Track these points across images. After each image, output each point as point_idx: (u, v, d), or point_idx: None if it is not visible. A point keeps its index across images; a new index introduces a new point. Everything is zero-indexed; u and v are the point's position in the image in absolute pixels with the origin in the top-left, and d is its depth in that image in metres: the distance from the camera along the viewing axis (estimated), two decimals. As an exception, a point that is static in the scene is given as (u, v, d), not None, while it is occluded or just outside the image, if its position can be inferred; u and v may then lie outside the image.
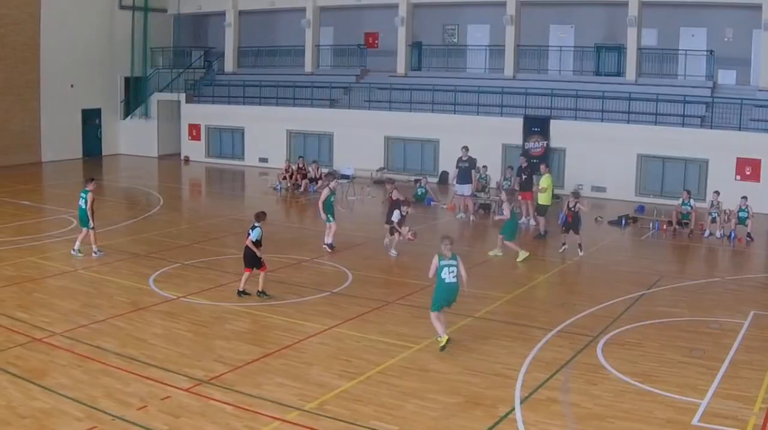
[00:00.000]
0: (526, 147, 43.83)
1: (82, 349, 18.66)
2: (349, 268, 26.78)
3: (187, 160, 57.79)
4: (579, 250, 29.13)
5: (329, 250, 29.40)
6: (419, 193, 40.92)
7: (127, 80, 61.13)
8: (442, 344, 18.83)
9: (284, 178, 45.07)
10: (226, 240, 31.70)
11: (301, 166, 45.30)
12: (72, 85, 56.69)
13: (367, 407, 15.66)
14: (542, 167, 34.36)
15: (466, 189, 36.81)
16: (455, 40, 54.41)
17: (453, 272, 18.92)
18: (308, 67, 56.47)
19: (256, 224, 23.01)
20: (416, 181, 43.24)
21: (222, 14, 59.62)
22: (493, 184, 40.33)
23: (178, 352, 18.65)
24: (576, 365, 18.14)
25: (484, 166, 39.34)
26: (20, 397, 15.77)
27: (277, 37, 59.75)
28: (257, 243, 22.89)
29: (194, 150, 58.01)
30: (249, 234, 22.97)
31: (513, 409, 15.62)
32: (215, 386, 16.54)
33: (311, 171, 44.92)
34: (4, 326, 20.17)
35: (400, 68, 52.86)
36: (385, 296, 23.54)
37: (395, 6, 52.28)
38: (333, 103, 53.04)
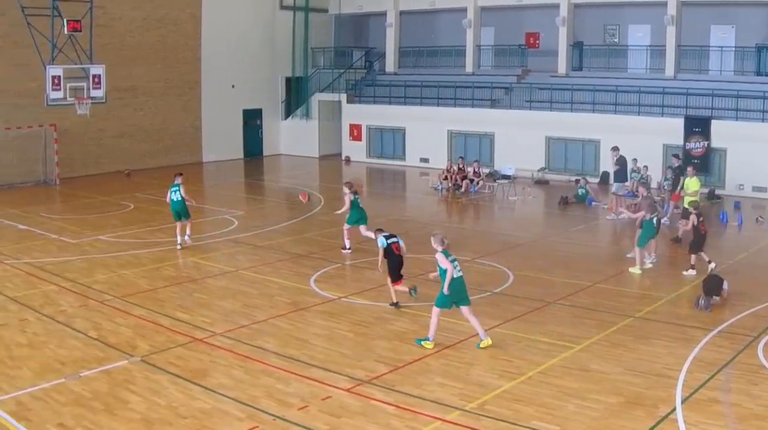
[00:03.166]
0: (687, 147, 43.15)
1: (242, 349, 19.12)
2: (509, 268, 26.76)
3: (348, 160, 58.42)
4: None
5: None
6: (580, 193, 40.66)
7: (288, 80, 62.00)
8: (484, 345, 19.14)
9: (445, 178, 45.21)
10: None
11: (461, 166, 45.36)
12: (233, 86, 57.82)
13: (528, 407, 15.68)
14: (689, 170, 33.67)
15: (619, 188, 36.70)
16: (616, 40, 53.76)
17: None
18: (469, 68, 56.49)
19: None
20: (576, 181, 43.10)
21: (382, 14, 60.18)
22: (653, 184, 39.78)
23: (338, 352, 18.96)
24: (737, 365, 17.85)
25: (645, 166, 38.63)
26: (181, 397, 16.24)
27: (438, 37, 59.77)
28: None
29: (355, 150, 58.64)
30: None
31: (674, 409, 15.48)
32: (376, 386, 16.77)
33: (471, 171, 44.97)
34: (165, 327, 20.83)
35: (561, 68, 52.46)
36: (546, 296, 23.47)
37: (556, 6, 51.90)
38: (494, 104, 52.87)
